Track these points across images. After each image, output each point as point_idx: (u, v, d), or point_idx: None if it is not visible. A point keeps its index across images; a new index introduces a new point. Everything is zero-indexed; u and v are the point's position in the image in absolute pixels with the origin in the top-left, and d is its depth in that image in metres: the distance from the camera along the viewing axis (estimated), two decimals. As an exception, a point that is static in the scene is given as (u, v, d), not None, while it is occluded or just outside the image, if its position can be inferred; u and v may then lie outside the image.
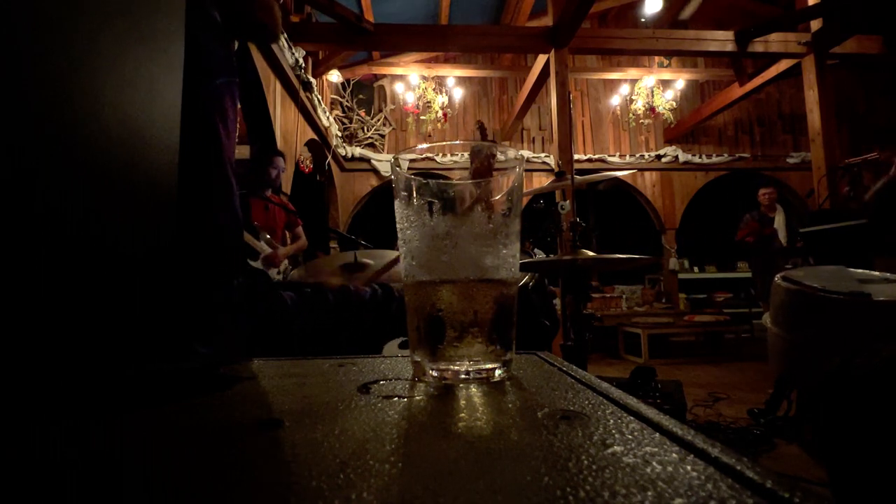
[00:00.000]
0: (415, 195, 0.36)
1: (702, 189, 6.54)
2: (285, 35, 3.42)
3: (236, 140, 0.74)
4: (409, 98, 5.78)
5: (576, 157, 5.68)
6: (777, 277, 1.83)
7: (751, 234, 4.72)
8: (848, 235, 2.52)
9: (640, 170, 6.42)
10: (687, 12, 5.30)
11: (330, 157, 5.04)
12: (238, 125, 0.71)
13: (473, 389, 0.32)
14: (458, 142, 0.68)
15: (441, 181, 0.36)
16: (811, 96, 4.20)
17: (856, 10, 3.84)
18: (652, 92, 5.89)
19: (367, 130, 6.09)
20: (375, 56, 5.66)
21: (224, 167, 0.65)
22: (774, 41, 4.25)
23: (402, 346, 0.81)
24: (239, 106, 0.72)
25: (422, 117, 5.64)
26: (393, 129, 6.29)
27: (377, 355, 0.48)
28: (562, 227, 3.01)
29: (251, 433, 0.23)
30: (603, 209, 8.10)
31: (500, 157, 0.38)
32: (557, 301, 2.67)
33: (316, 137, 4.50)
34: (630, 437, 0.21)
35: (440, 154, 5.98)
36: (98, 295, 0.31)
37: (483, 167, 0.37)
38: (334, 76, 5.27)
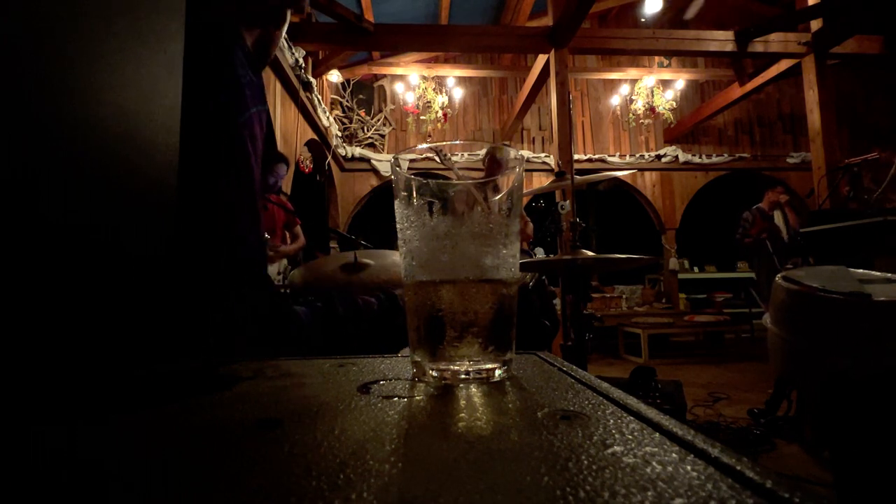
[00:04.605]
0: (415, 195, 0.36)
1: (702, 189, 6.53)
2: (285, 35, 3.42)
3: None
4: (409, 98, 5.78)
5: (576, 157, 5.68)
6: (777, 277, 1.82)
7: (764, 231, 4.72)
8: (856, 234, 2.47)
9: (640, 170, 6.42)
10: (690, 13, 5.29)
11: (330, 157, 5.04)
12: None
13: (473, 389, 0.32)
14: (458, 142, 0.69)
15: (441, 181, 0.36)
16: (811, 96, 4.20)
17: (856, 10, 3.84)
18: (652, 92, 5.89)
19: (367, 130, 6.08)
20: (375, 56, 5.65)
21: (253, 193, 0.68)
22: (774, 41, 4.25)
23: None
24: None
25: (422, 117, 5.64)
26: (393, 129, 6.28)
27: (377, 355, 0.48)
28: (562, 227, 3.01)
29: (251, 433, 0.23)
30: (603, 209, 8.10)
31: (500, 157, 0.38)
32: (557, 301, 2.67)
33: (316, 137, 4.49)
34: (630, 437, 0.21)
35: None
36: (101, 296, 0.31)
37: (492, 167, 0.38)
38: (334, 76, 5.27)
